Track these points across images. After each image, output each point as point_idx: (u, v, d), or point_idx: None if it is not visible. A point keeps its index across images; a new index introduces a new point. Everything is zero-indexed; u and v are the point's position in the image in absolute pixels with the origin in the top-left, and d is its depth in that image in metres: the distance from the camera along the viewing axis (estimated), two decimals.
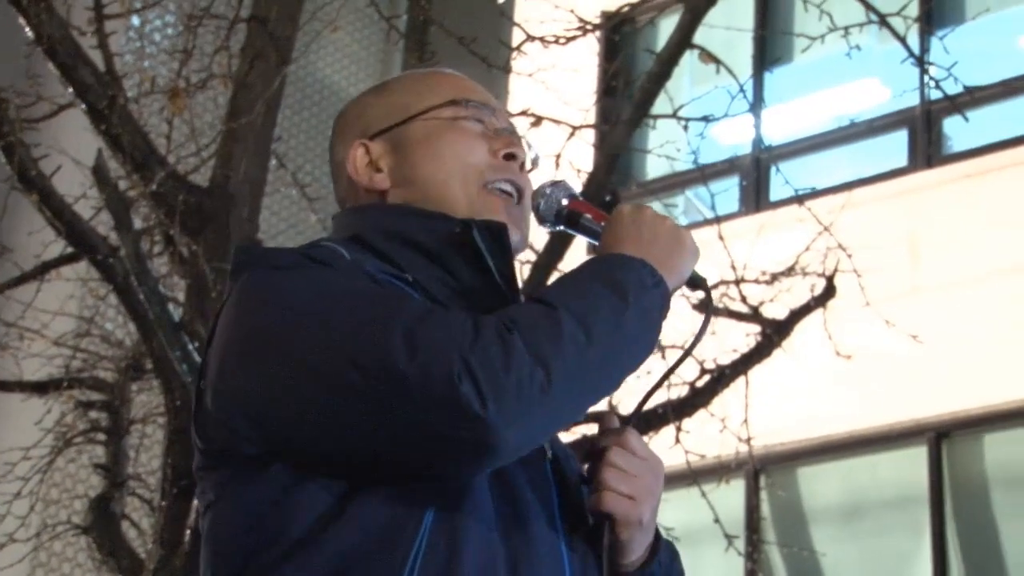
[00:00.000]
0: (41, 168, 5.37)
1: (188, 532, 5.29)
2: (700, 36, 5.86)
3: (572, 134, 5.74)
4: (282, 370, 1.68)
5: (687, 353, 1.94)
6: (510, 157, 1.96)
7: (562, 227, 1.98)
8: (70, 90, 5.51)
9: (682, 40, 5.56)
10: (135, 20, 8.81)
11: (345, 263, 1.79)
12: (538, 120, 5.54)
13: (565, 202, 1.96)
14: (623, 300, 1.73)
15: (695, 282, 1.89)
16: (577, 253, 6.18)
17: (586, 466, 1.87)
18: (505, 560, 1.71)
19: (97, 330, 7.26)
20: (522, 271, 5.57)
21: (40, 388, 6.88)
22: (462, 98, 1.98)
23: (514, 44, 5.67)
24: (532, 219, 2.00)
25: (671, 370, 1.96)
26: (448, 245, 1.86)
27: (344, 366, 1.64)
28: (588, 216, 1.95)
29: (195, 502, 5.29)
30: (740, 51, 6.94)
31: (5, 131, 5.27)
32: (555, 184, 1.99)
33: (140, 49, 8.37)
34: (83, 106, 5.50)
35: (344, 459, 1.69)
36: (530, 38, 5.53)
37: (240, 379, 1.72)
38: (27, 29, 5.43)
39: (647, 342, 1.77)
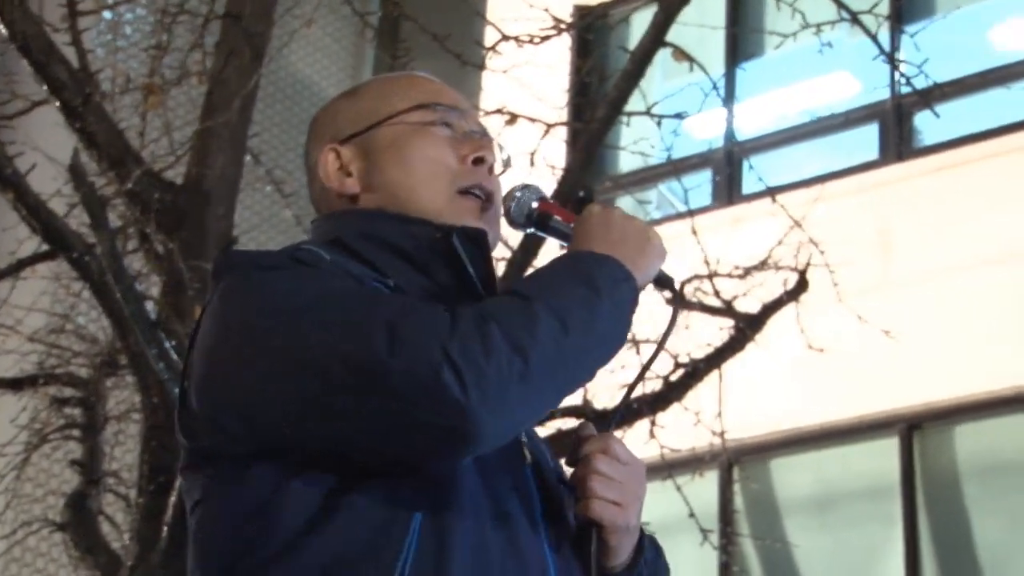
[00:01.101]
0: (16, 166, 5.36)
1: (165, 529, 5.29)
2: (672, 33, 5.88)
3: (547, 132, 5.77)
4: (270, 366, 1.71)
5: (658, 350, 1.99)
6: (478, 161, 1.98)
7: (532, 229, 2.01)
8: (44, 87, 5.50)
9: (656, 38, 5.59)
10: (107, 15, 8.78)
11: (327, 264, 1.81)
12: (513, 118, 5.56)
13: (535, 205, 1.99)
14: (596, 293, 1.76)
15: (662, 282, 1.93)
16: (551, 250, 6.21)
17: (570, 472, 1.90)
18: (494, 562, 1.74)
19: (71, 326, 7.25)
20: (497, 267, 5.58)
21: (15, 385, 6.85)
22: (430, 102, 2.00)
23: (488, 43, 5.68)
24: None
25: (644, 369, 2.02)
26: (428, 250, 1.90)
27: (330, 361, 1.67)
28: (558, 218, 1.99)
29: (172, 498, 5.31)
30: (712, 47, 6.97)
31: None
32: (525, 187, 2.01)
33: (112, 44, 8.34)
34: (57, 103, 5.50)
35: (331, 452, 1.71)
36: (505, 37, 5.54)
37: (228, 377, 1.75)
38: (0, 26, 5.42)
39: (619, 335, 1.81)
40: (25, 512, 7.54)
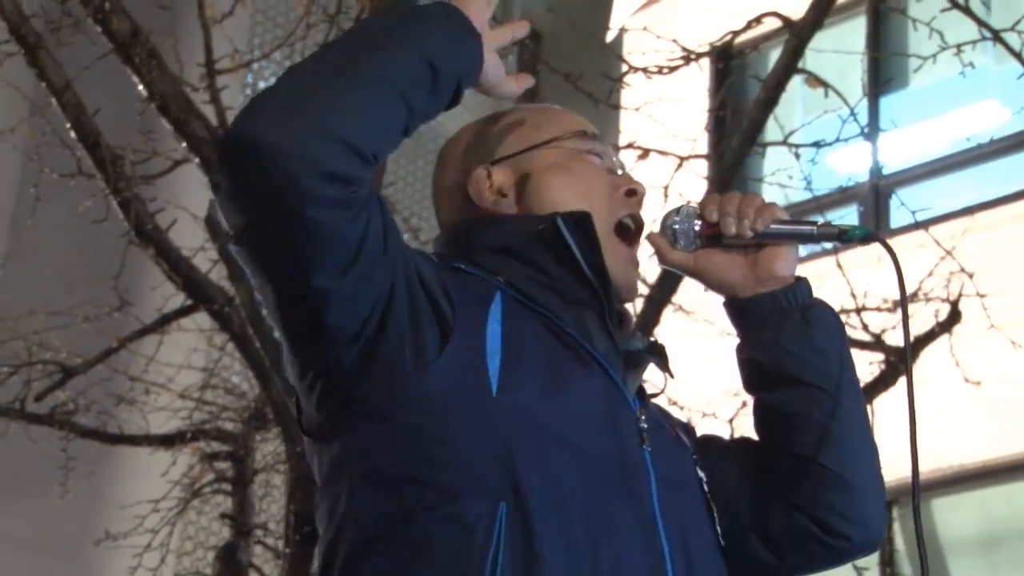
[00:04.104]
0: (156, 222, 5.46)
1: None
2: (812, 62, 5.78)
3: (679, 165, 5.70)
4: None
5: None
6: (631, 193, 1.97)
7: (700, 246, 1.97)
8: (184, 144, 5.61)
9: (789, 65, 5.50)
10: (249, 78, 8.96)
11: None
12: (645, 153, 5.50)
13: (698, 225, 1.96)
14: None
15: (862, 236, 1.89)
16: (689, 283, 6.13)
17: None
18: (587, 553, 1.69)
19: (220, 381, 7.36)
20: (635, 305, 5.53)
21: (167, 441, 6.99)
22: (587, 130, 2.00)
23: (619, 77, 5.65)
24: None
25: None
26: (534, 242, 1.87)
27: None
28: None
29: (317, 548, 5.32)
30: (853, 76, 6.85)
31: (122, 187, 5.37)
32: (675, 212, 1.99)
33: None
34: (197, 160, 5.59)
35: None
36: (632, 69, 5.50)
37: None
38: (140, 86, 5.54)
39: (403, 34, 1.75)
40: (177, 565, 7.64)
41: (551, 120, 2.00)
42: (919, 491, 1.76)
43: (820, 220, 2.01)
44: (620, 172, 2.01)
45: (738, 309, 1.97)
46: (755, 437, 2.01)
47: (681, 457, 1.91)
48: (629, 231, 1.96)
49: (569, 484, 1.71)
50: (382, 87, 1.71)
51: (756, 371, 1.96)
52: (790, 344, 1.92)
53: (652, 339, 1.99)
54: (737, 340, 1.99)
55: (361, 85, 1.70)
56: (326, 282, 1.68)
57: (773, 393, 1.94)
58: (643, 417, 1.85)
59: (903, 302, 1.89)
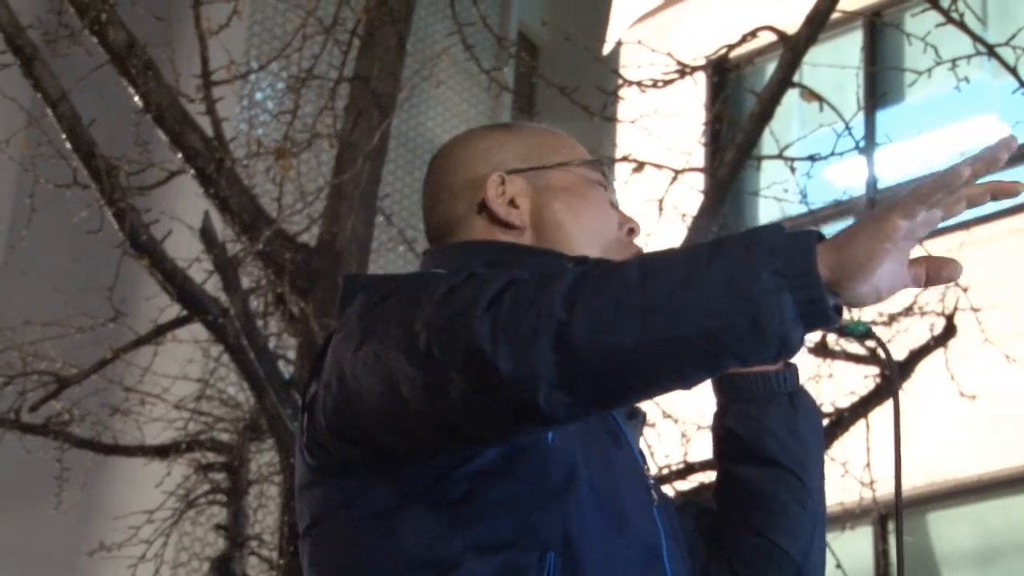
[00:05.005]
0: (152, 233, 5.46)
1: None
2: (807, 76, 5.78)
3: (674, 178, 5.71)
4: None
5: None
6: (631, 232, 1.96)
7: None
8: (179, 156, 5.61)
9: (784, 79, 5.51)
10: (245, 89, 8.96)
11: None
12: (640, 166, 5.51)
13: None
14: (714, 249, 1.48)
15: (859, 332, 1.80)
16: None
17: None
18: None
19: (215, 392, 7.35)
20: None
21: (161, 452, 6.98)
22: (601, 161, 2.00)
23: (614, 91, 5.66)
24: None
25: None
26: None
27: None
28: None
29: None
30: (848, 90, 6.86)
31: (117, 198, 5.37)
32: None
33: (248, 113, 8.51)
34: (192, 171, 5.60)
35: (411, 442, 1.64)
36: (627, 82, 5.51)
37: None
38: (136, 98, 5.55)
39: (729, 310, 1.44)
40: None
41: (566, 144, 1.98)
42: (902, 513, 1.76)
43: None
44: (626, 212, 2.00)
45: (726, 382, 1.96)
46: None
47: (673, 509, 1.92)
48: None
49: (615, 541, 1.70)
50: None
51: (732, 443, 1.95)
52: (775, 426, 1.92)
53: None
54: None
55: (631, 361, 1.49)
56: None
57: (746, 468, 1.94)
58: (648, 471, 1.87)
59: (895, 396, 1.85)
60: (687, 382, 1.52)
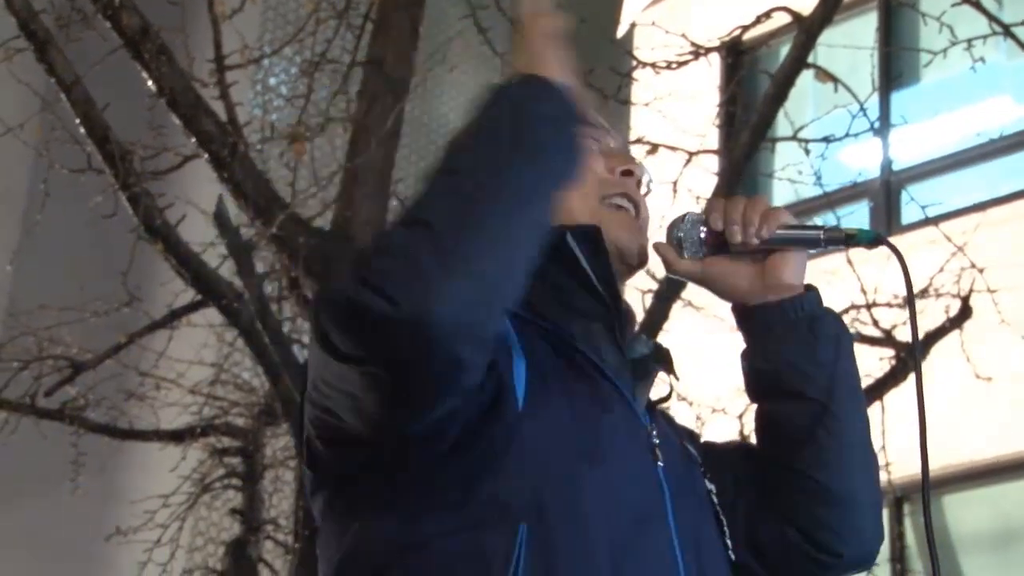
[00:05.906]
0: (166, 217, 5.46)
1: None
2: (822, 57, 5.76)
3: (688, 160, 5.69)
4: None
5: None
6: (627, 173, 1.95)
7: (706, 253, 1.94)
8: (193, 140, 5.60)
9: (798, 60, 5.48)
10: (259, 74, 8.95)
11: None
12: (654, 148, 5.49)
13: (703, 232, 1.94)
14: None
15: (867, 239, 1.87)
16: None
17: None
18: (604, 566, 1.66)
19: (229, 377, 7.36)
20: (644, 300, 5.52)
21: (176, 436, 6.99)
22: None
23: (628, 72, 5.64)
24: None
25: None
26: (543, 255, 1.83)
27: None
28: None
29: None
30: (863, 71, 6.83)
31: (131, 183, 5.37)
32: (680, 220, 1.97)
33: (262, 98, 8.49)
34: (206, 156, 5.59)
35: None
36: (641, 64, 5.49)
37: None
38: (149, 82, 5.54)
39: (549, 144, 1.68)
40: (187, 560, 7.65)
41: None
42: (929, 488, 1.75)
43: (827, 224, 1.99)
44: (624, 152, 2.00)
45: (745, 316, 1.95)
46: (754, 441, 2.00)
47: (690, 469, 1.90)
48: (623, 210, 1.94)
49: (592, 506, 1.68)
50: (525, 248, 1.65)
51: (758, 380, 1.94)
52: (793, 357, 1.90)
53: (656, 342, 1.95)
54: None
55: (512, 253, 1.62)
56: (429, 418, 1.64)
57: (774, 404, 1.93)
58: (654, 432, 1.84)
59: (911, 304, 1.87)
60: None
